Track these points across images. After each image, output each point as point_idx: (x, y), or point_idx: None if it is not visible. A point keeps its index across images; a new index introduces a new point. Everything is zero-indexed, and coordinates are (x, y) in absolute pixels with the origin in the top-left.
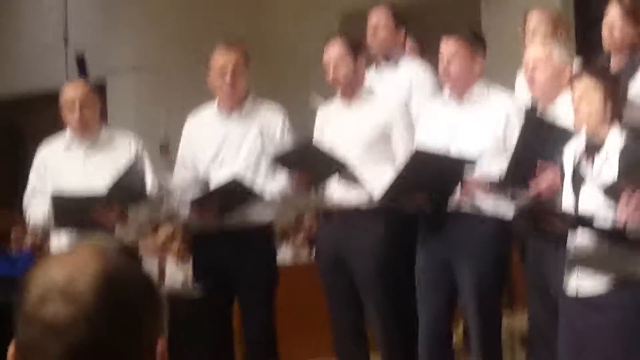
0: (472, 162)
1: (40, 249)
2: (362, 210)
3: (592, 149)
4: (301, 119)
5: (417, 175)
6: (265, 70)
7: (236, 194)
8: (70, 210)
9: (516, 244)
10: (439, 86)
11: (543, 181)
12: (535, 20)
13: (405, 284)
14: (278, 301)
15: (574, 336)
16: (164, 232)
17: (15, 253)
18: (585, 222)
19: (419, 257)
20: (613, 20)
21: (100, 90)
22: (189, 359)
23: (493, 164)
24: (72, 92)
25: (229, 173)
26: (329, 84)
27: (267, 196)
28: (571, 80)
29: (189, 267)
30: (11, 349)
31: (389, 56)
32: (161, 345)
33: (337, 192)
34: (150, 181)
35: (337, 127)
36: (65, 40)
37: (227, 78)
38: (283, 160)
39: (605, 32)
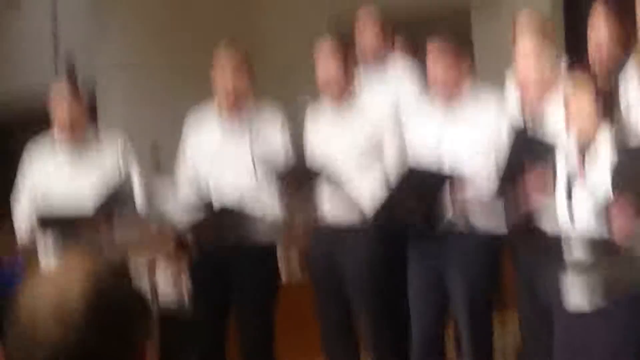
0: (464, 178)
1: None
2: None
3: (583, 148)
4: (287, 119)
5: (409, 192)
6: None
7: (233, 220)
8: (57, 229)
9: (508, 251)
10: (427, 89)
11: (532, 186)
12: (524, 23)
13: (396, 286)
14: None
15: (570, 350)
16: (155, 247)
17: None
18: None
19: (411, 264)
20: (599, 39)
21: (89, 89)
22: None
23: (483, 166)
24: (59, 92)
25: (229, 173)
26: (315, 84)
27: (269, 214)
28: (562, 80)
29: (182, 284)
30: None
31: (377, 57)
32: (151, 351)
33: (328, 207)
34: (136, 185)
35: (328, 137)
36: (54, 39)
37: (227, 77)
38: (278, 177)
39: (591, 49)
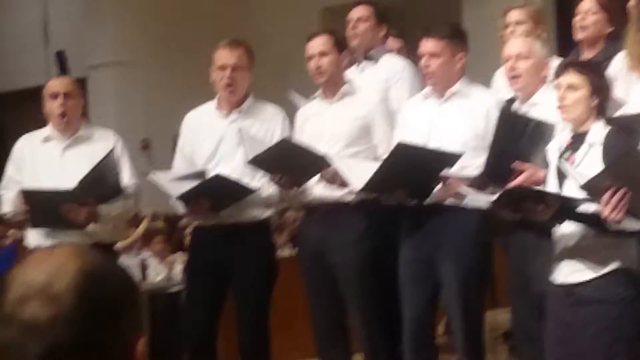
0: (454, 156)
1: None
2: (345, 206)
3: (576, 141)
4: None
5: (399, 168)
6: None
7: (225, 189)
8: (42, 207)
9: (499, 240)
10: (420, 82)
11: (522, 177)
12: (516, 17)
13: (387, 280)
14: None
15: (561, 328)
16: (143, 227)
17: None
18: (566, 202)
19: (402, 252)
20: (586, 9)
21: (81, 86)
22: (170, 356)
23: (474, 160)
24: (57, 84)
25: (228, 172)
26: (307, 79)
27: (264, 191)
28: (556, 73)
29: (172, 263)
30: None
31: (369, 51)
32: (141, 344)
33: (319, 187)
34: (127, 179)
35: (318, 123)
36: (46, 36)
37: (226, 76)
38: (260, 162)
39: (577, 20)
